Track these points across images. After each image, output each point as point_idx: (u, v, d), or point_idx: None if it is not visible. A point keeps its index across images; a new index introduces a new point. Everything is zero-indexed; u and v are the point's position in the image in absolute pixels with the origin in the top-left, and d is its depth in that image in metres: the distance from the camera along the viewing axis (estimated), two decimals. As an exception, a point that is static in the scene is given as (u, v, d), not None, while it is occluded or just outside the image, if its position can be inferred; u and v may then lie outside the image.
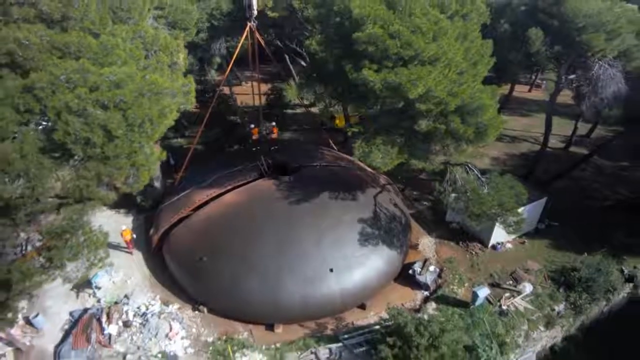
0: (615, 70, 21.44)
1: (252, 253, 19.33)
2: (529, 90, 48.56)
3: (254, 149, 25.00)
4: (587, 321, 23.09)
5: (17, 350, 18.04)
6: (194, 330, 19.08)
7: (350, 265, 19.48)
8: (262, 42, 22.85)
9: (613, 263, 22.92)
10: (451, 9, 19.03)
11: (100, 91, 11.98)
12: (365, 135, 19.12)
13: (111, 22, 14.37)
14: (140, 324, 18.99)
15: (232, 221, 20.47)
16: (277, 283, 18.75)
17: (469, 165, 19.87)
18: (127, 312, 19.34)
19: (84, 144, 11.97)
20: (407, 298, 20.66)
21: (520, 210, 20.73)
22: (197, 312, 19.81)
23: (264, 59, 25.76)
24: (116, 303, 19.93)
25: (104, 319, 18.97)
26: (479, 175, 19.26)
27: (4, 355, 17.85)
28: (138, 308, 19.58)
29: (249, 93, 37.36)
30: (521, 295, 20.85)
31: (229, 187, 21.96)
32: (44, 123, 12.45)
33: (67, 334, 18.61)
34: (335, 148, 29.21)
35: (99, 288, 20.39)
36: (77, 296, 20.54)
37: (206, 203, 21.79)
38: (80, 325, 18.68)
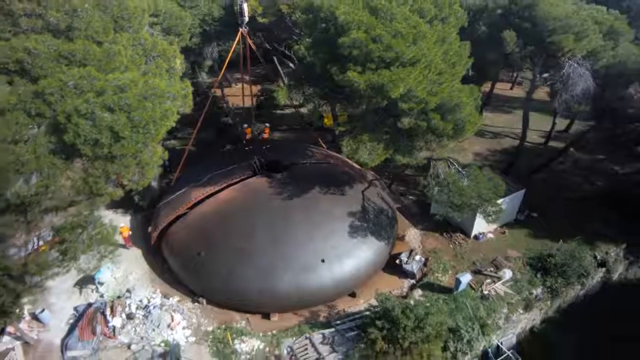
0: (584, 69, 22.99)
1: (247, 246, 20.43)
2: (511, 88, 50.11)
3: (246, 148, 26.08)
4: (564, 304, 24.63)
5: (26, 344, 18.91)
6: (194, 320, 20.14)
7: (340, 256, 20.68)
8: (254, 47, 23.96)
9: (586, 249, 24.46)
10: (430, 13, 20.39)
11: (107, 95, 13.03)
12: (352, 133, 20.37)
13: (113, 31, 15.38)
14: (143, 315, 19.99)
15: (228, 217, 21.56)
16: (272, 274, 19.88)
17: (450, 160, 21.17)
18: (129, 305, 20.32)
19: (92, 144, 13.00)
20: (394, 286, 21.93)
21: (499, 201, 22.16)
22: (196, 303, 20.85)
23: (249, 64, 26.87)
24: (119, 297, 20.88)
25: (107, 312, 19.92)
26: (460, 169, 20.57)
27: (12, 348, 18.70)
28: (140, 301, 20.57)
29: (238, 95, 38.51)
30: (501, 281, 22.23)
31: (224, 185, 23.03)
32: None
33: (72, 327, 19.52)
34: (325, 146, 30.40)
35: (102, 284, 21.30)
36: (81, 292, 21.42)
37: (202, 200, 22.84)
38: (86, 319, 19.65)
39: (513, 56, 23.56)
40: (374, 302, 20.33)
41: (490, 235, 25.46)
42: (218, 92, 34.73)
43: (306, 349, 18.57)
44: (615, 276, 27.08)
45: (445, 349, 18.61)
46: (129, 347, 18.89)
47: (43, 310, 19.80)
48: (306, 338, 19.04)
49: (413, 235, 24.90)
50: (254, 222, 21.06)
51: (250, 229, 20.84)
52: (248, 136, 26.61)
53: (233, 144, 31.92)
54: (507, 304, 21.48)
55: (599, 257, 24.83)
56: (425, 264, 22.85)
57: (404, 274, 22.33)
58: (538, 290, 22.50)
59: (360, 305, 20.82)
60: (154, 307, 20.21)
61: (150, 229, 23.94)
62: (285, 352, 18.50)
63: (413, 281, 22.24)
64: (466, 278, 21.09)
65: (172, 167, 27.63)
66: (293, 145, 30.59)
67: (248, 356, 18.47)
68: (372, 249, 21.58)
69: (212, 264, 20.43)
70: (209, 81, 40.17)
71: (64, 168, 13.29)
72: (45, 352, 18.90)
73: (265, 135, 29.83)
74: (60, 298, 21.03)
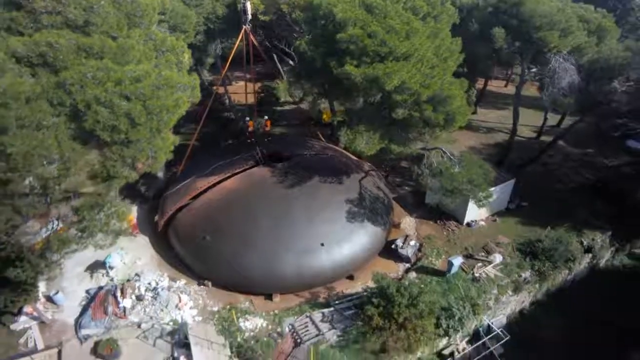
0: (569, 63, 24.23)
1: (251, 232, 21.59)
2: (505, 85, 51.35)
3: (249, 140, 27.24)
4: (553, 288, 25.84)
5: (42, 324, 20.02)
6: (200, 301, 21.29)
7: (339, 241, 21.86)
8: (256, 44, 25.14)
9: (573, 235, 25.73)
10: (423, 11, 21.63)
11: (124, 85, 14.17)
12: (350, 124, 21.56)
13: (126, 27, 16.53)
14: (152, 297, 21.12)
15: (232, 204, 22.72)
16: (274, 257, 21.04)
17: (443, 149, 22.37)
18: (139, 288, 21.45)
19: (110, 130, 14.15)
20: (390, 269, 23.09)
21: (491, 190, 23.37)
22: (202, 286, 21.99)
23: (255, 59, 28.03)
24: (128, 281, 21.99)
25: (118, 294, 21.03)
26: (451, 157, 21.77)
27: (30, 327, 19.82)
28: (149, 284, 21.71)
29: (238, 92, 39.70)
30: (492, 265, 23.43)
31: (228, 175, 24.20)
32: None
33: (85, 308, 20.66)
34: (323, 140, 31.58)
35: (112, 268, 22.43)
36: (91, 277, 22.52)
37: (207, 189, 23.98)
38: (98, 300, 20.78)
39: (502, 52, 24.78)
40: (371, 284, 21.51)
41: (482, 223, 26.66)
42: (220, 89, 35.84)
43: (307, 326, 19.74)
44: (602, 262, 28.37)
45: (437, 325, 19.80)
46: (139, 326, 20.01)
47: (57, 292, 20.92)
48: (307, 317, 20.20)
49: (408, 222, 26.09)
50: (256, 208, 22.21)
51: (253, 215, 21.99)
52: (250, 129, 27.76)
53: (235, 138, 33.08)
54: (497, 286, 22.66)
55: (585, 243, 26.05)
56: (419, 249, 24.02)
57: (399, 258, 23.50)
58: (527, 274, 23.70)
59: (357, 287, 21.97)
60: (162, 289, 21.36)
61: (156, 217, 25.07)
62: (287, 329, 19.65)
63: (408, 265, 23.40)
64: (458, 261, 22.28)
65: (177, 160, 28.70)
66: (293, 139, 31.76)
67: (252, 333, 19.61)
68: (369, 234, 22.76)
69: (217, 248, 21.58)
70: (210, 78, 41.32)
71: (83, 153, 14.39)
72: (60, 330, 19.99)
73: (267, 128, 30.97)
74: (72, 282, 22.14)
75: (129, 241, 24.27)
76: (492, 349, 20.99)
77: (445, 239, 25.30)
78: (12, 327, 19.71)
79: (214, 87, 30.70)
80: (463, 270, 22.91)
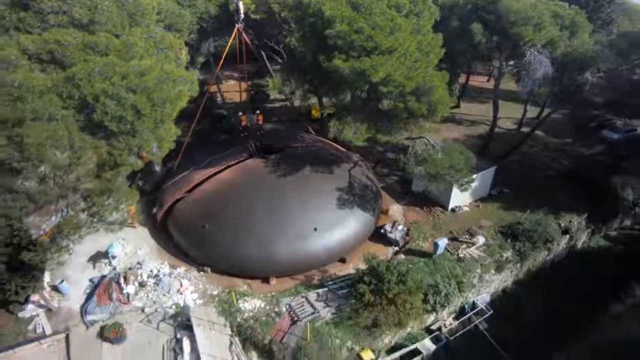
0: (543, 56, 25.85)
1: (247, 219, 22.74)
2: (488, 80, 53.24)
3: (242, 135, 28.36)
4: (533, 268, 27.43)
5: (49, 311, 20.92)
6: (200, 286, 22.36)
7: (331, 226, 23.13)
8: (249, 42, 26.29)
9: (551, 218, 27.34)
10: (406, 8, 23.00)
11: (129, 79, 15.26)
12: (338, 116, 22.87)
13: (128, 26, 17.61)
14: (154, 283, 22.14)
15: (228, 194, 23.85)
16: (270, 243, 22.22)
17: (427, 137, 23.79)
18: (141, 275, 22.43)
19: (118, 121, 15.22)
20: (380, 252, 24.37)
21: (473, 176, 24.87)
22: (202, 272, 23.06)
23: (245, 58, 29.13)
24: (130, 269, 22.97)
25: (121, 281, 21.99)
26: (435, 145, 23.19)
27: (37, 315, 20.70)
28: (150, 271, 22.72)
29: (228, 91, 40.79)
30: (475, 246, 24.91)
31: (223, 167, 25.31)
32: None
33: (90, 295, 21.57)
34: (313, 133, 32.82)
35: (115, 257, 23.38)
36: (94, 266, 23.43)
37: (204, 181, 25.05)
38: (102, 287, 21.73)
39: (482, 46, 26.30)
40: (362, 266, 22.81)
41: (466, 209, 28.17)
42: (212, 88, 36.86)
43: (303, 305, 20.96)
44: (579, 244, 30.09)
45: (425, 301, 21.17)
46: (142, 310, 20.99)
47: (62, 281, 21.82)
48: (302, 297, 21.42)
49: (396, 209, 27.45)
50: (252, 197, 23.37)
51: (249, 203, 23.15)
52: (243, 123, 28.86)
53: (227, 133, 34.15)
54: (480, 265, 24.14)
55: (562, 224, 27.69)
56: (407, 233, 25.38)
57: (388, 242, 24.85)
58: (508, 254, 25.24)
59: (349, 269, 23.26)
60: (164, 275, 22.40)
61: (155, 209, 26.05)
62: (284, 309, 20.84)
63: (396, 248, 24.75)
64: (443, 242, 23.70)
65: (173, 156, 29.68)
66: (285, 133, 32.97)
67: (251, 313, 20.77)
68: (359, 220, 24.07)
69: (215, 235, 22.68)
70: (201, 77, 42.22)
71: (92, 143, 15.44)
72: (66, 317, 20.89)
73: (259, 122, 32.07)
74: (75, 271, 23.03)
75: (130, 232, 25.26)
76: (477, 322, 22.43)
77: (431, 223, 26.73)
78: (20, 314, 20.52)
79: (207, 86, 31.68)
80: (448, 251, 24.34)
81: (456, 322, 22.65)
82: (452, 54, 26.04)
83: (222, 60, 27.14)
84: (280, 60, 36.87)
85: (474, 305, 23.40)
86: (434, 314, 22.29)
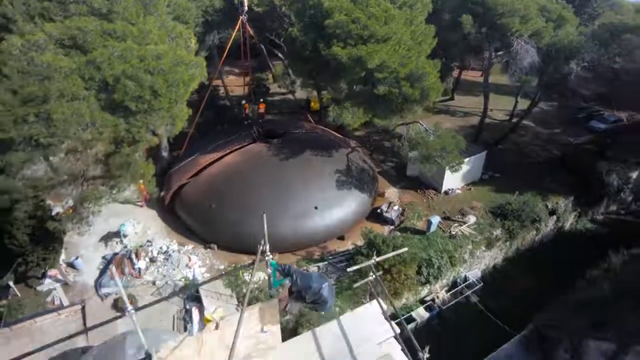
0: (530, 46, 27.40)
1: (251, 199, 24.15)
2: (481, 75, 54.32)
3: (245, 122, 29.80)
4: (522, 248, 28.95)
5: (65, 285, 22.30)
6: (207, 261, 23.79)
7: (330, 205, 24.58)
8: (252, 33, 27.74)
9: (539, 199, 28.86)
10: (399, 0, 24.49)
11: (147, 61, 16.69)
12: (337, 101, 24.34)
13: (142, 15, 19.02)
14: (164, 259, 23.56)
15: (233, 176, 25.28)
16: (272, 221, 23.30)
17: (420, 122, 25.29)
18: (151, 251, 23.85)
19: (137, 100, 16.64)
20: (377, 230, 25.81)
21: (465, 160, 26.36)
22: (208, 249, 24.48)
23: (249, 50, 30.60)
24: (141, 246, 24.37)
25: (133, 257, 23.40)
26: (427, 129, 24.69)
27: (54, 289, 22.07)
28: (160, 248, 24.13)
29: (230, 85, 42.16)
30: (467, 224, 26.40)
31: (228, 151, 26.76)
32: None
33: (104, 270, 22.97)
34: (313, 122, 34.30)
35: (126, 236, 24.77)
36: (106, 245, 24.81)
37: (209, 165, 26.47)
38: (115, 263, 23.11)
39: (472, 37, 27.82)
40: (359, 242, 24.26)
41: (458, 191, 29.69)
42: (215, 81, 38.25)
43: (304, 277, 22.37)
44: (566, 226, 31.63)
45: (419, 273, 22.64)
46: (153, 283, 22.41)
47: (77, 257, 23.21)
48: (304, 270, 22.84)
49: (392, 192, 28.96)
50: (256, 178, 24.81)
51: (253, 184, 24.58)
52: (247, 111, 30.25)
53: (230, 123, 35.54)
54: (471, 242, 25.63)
55: (550, 206, 29.22)
56: (402, 213, 26.87)
57: (384, 221, 26.32)
58: (498, 232, 26.74)
59: (348, 245, 24.73)
60: (173, 252, 23.82)
61: (163, 192, 27.44)
62: (287, 280, 22.21)
63: (392, 227, 26.22)
64: (436, 219, 25.21)
65: (178, 145, 31.04)
66: (286, 121, 34.45)
67: (256, 285, 22.16)
68: (357, 200, 25.56)
69: (222, 214, 24.10)
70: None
71: (112, 120, 16.85)
72: (81, 291, 22.27)
73: (261, 110, 33.49)
74: (88, 250, 24.40)
75: (139, 214, 26.66)
76: (468, 293, 23.92)
77: (425, 205, 28.24)
78: (39, 288, 21.87)
79: (210, 78, 33.06)
80: (441, 229, 25.83)
81: (448, 294, 24.13)
82: (445, 45, 27.49)
83: (226, 52, 28.54)
84: (280, 55, 38.30)
85: (465, 280, 24.89)
86: (428, 286, 23.76)
